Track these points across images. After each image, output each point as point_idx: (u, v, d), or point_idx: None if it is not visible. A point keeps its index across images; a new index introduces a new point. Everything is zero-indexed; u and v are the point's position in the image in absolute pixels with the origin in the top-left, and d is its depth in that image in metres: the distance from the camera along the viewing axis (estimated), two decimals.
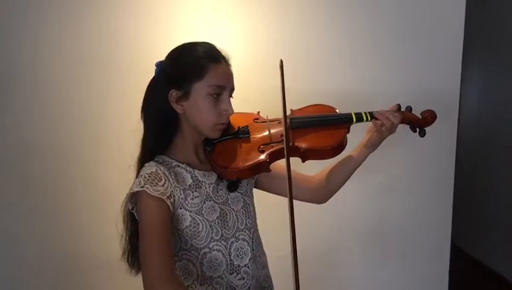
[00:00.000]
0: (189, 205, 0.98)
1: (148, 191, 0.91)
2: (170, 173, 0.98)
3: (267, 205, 1.21)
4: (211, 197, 1.02)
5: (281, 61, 0.97)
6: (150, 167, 0.97)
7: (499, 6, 2.97)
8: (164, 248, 0.88)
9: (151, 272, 0.85)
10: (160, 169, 0.97)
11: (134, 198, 0.95)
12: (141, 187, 0.91)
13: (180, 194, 0.97)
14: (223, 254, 1.00)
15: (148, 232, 0.89)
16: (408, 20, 1.77)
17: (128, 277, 1.10)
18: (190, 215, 0.97)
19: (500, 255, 3.03)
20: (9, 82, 1.59)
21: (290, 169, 0.93)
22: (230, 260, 1.01)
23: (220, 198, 1.03)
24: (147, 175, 0.94)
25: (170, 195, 0.94)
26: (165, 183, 0.94)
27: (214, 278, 0.99)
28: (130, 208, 0.97)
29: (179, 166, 1.02)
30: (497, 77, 3.08)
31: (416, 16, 1.77)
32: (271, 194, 1.19)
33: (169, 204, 0.93)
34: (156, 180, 0.93)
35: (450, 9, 1.77)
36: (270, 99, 1.35)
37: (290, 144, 1.05)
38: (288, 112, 1.14)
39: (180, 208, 0.97)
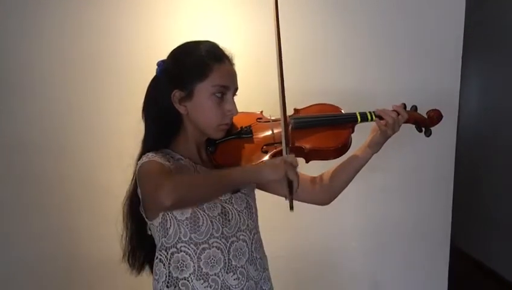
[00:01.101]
0: None
1: (158, 160, 0.93)
2: (174, 162, 0.98)
3: (267, 206, 1.21)
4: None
5: None
6: (155, 153, 0.97)
7: (498, 6, 2.98)
8: (163, 172, 0.90)
9: (156, 178, 0.87)
10: (165, 156, 0.98)
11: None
12: (150, 159, 0.93)
13: None
14: (222, 251, 0.99)
15: (149, 169, 0.92)
16: (408, 21, 1.77)
17: (128, 277, 1.11)
18: (191, 207, 0.97)
19: (500, 255, 3.03)
20: (7, 82, 1.59)
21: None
22: (229, 259, 1.00)
23: (223, 195, 1.02)
24: (154, 154, 0.96)
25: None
26: (171, 165, 0.95)
27: (210, 276, 0.98)
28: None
29: (181, 159, 1.01)
30: (497, 76, 3.09)
31: (416, 16, 1.77)
32: (270, 194, 1.19)
33: None
34: (164, 159, 0.95)
35: (450, 9, 1.77)
36: (270, 98, 1.35)
37: (293, 144, 1.03)
38: (291, 112, 1.13)
39: None
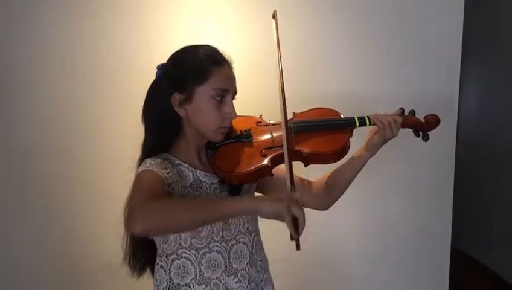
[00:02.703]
0: None
1: (154, 170, 0.91)
2: (173, 168, 0.98)
3: None
4: (211, 198, 1.02)
5: (275, 12, 0.97)
6: (154, 159, 0.97)
7: (497, 9, 2.98)
8: (152, 190, 0.87)
9: (136, 199, 0.84)
10: (164, 162, 0.97)
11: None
12: (147, 168, 0.92)
13: (180, 190, 0.97)
14: (223, 255, 1.00)
15: (141, 181, 0.90)
16: (407, 24, 1.77)
17: (128, 279, 1.11)
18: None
19: (500, 257, 3.03)
20: (8, 83, 1.59)
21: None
22: (229, 262, 1.01)
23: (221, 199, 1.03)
24: (152, 161, 0.94)
25: (171, 183, 0.94)
26: (169, 172, 0.94)
27: (211, 279, 0.99)
28: None
29: (181, 164, 1.01)
30: (496, 79, 3.08)
31: (415, 19, 1.77)
32: None
33: (169, 190, 0.93)
34: (162, 167, 0.94)
35: (448, 12, 1.77)
36: (270, 102, 1.35)
37: (292, 148, 1.04)
38: (290, 116, 1.13)
39: None
